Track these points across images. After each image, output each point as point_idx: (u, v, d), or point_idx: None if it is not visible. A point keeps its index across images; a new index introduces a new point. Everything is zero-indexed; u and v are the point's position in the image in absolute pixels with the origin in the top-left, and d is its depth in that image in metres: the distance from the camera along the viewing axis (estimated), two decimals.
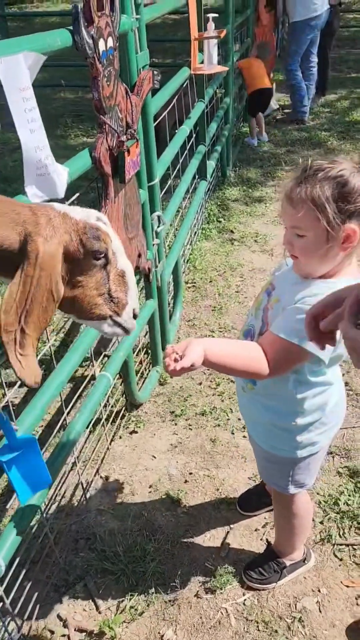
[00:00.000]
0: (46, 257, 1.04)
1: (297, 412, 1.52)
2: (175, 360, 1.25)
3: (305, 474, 1.67)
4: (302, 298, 1.34)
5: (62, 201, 1.49)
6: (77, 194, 1.71)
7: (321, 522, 2.07)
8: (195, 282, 3.59)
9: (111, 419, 2.49)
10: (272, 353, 1.37)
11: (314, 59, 6.29)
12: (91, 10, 1.44)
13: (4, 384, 1.56)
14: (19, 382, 1.64)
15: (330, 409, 1.55)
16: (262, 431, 1.66)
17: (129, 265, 1.23)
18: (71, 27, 1.42)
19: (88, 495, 2.21)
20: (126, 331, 1.28)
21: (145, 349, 2.88)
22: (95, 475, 2.31)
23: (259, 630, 1.76)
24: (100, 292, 1.18)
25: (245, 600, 1.85)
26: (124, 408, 2.60)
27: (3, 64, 1.12)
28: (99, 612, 1.85)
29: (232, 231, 4.23)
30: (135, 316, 1.27)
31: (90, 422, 2.08)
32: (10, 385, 2.67)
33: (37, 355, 1.14)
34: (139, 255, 2.16)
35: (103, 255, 1.15)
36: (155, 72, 1.98)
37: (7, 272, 1.08)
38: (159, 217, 2.43)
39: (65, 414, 1.93)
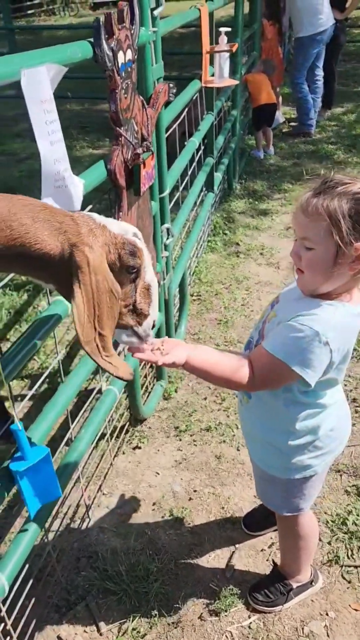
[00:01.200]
0: (96, 262, 1.08)
1: (288, 432, 1.49)
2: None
3: (300, 498, 1.63)
4: (297, 316, 1.32)
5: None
6: (90, 206, 1.69)
7: (329, 543, 2.03)
8: (200, 295, 3.57)
9: (115, 434, 2.45)
10: (258, 366, 1.37)
11: (320, 73, 6.31)
12: (112, 23, 1.42)
13: (12, 397, 1.52)
14: (29, 395, 1.62)
15: (326, 433, 1.50)
16: (257, 447, 1.64)
17: (155, 279, 1.25)
18: (91, 39, 1.40)
19: (90, 512, 2.17)
20: (141, 341, 1.30)
21: (149, 363, 2.84)
22: (97, 492, 2.27)
23: None
24: (127, 303, 1.21)
25: (250, 623, 1.81)
26: (127, 423, 2.57)
27: (26, 76, 1.10)
28: (100, 634, 1.80)
29: (237, 244, 4.21)
30: (153, 326, 1.30)
31: (96, 437, 2.04)
32: (21, 398, 2.64)
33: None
34: None
35: (136, 270, 1.18)
36: (171, 85, 1.96)
37: (42, 275, 1.12)
38: (168, 229, 2.41)
39: (71, 429, 1.89)
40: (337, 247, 1.25)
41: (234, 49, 2.96)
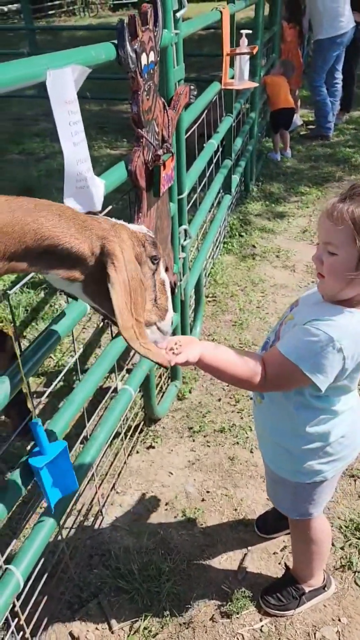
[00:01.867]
0: (127, 251, 1.12)
1: (299, 435, 1.49)
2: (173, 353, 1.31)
3: (309, 503, 1.62)
4: (313, 320, 1.32)
5: (96, 214, 1.48)
6: (110, 207, 1.70)
7: (342, 548, 2.02)
8: (216, 297, 3.57)
9: (129, 433, 2.46)
10: (270, 367, 1.37)
11: (339, 76, 6.29)
12: (136, 25, 1.43)
13: (30, 393, 1.54)
14: (47, 392, 1.63)
15: (337, 440, 1.49)
16: (269, 448, 1.64)
17: (166, 276, 1.30)
18: (115, 41, 1.41)
19: (103, 511, 2.18)
20: (164, 337, 1.33)
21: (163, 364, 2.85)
22: (111, 490, 2.28)
23: None
24: (150, 297, 1.24)
25: (262, 626, 1.81)
26: (142, 422, 2.58)
27: (52, 77, 1.11)
28: (112, 632, 1.81)
29: (253, 246, 4.21)
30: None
31: (110, 436, 2.05)
32: (37, 394, 2.67)
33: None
34: (166, 269, 2.14)
35: (157, 261, 1.23)
36: (192, 87, 1.97)
37: (69, 272, 1.14)
38: (185, 230, 2.42)
39: (87, 427, 1.91)
40: (359, 255, 1.25)
41: (254, 52, 2.96)
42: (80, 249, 1.09)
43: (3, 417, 2.15)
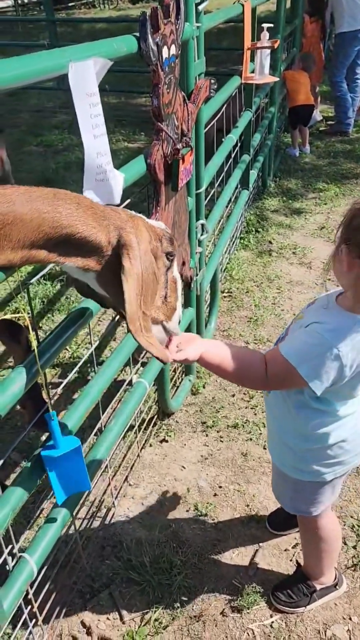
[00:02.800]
0: (143, 244, 1.12)
1: (299, 433, 1.49)
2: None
3: (308, 501, 1.62)
4: (315, 323, 1.32)
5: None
6: (128, 200, 1.70)
7: (354, 547, 2.01)
8: (231, 292, 3.56)
9: (143, 426, 2.47)
10: (271, 366, 1.37)
11: None
12: (158, 17, 1.43)
13: (47, 385, 1.55)
14: (63, 383, 1.64)
15: (337, 444, 1.48)
16: (274, 441, 1.65)
17: (178, 275, 1.28)
18: (137, 34, 1.41)
19: (116, 502, 2.20)
20: (168, 337, 1.31)
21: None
22: (124, 482, 2.29)
23: None
24: (161, 294, 1.23)
25: (272, 622, 1.81)
26: (155, 416, 2.59)
27: (74, 69, 1.11)
28: (123, 622, 1.82)
29: (270, 242, 4.19)
30: (178, 323, 1.31)
31: (124, 429, 2.06)
32: (52, 386, 2.69)
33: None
34: (183, 263, 2.14)
35: (172, 258, 1.21)
36: (212, 81, 1.96)
37: (85, 260, 1.14)
38: (202, 225, 2.41)
39: (101, 419, 1.92)
40: None
41: (275, 46, 2.93)
42: (97, 237, 1.10)
43: (18, 407, 2.17)
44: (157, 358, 1.18)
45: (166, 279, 1.24)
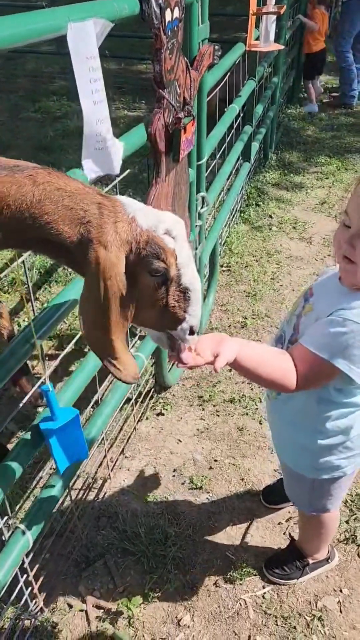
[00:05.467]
0: (108, 264, 0.99)
1: (318, 431, 1.44)
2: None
3: (327, 499, 1.60)
4: (338, 310, 1.23)
5: (114, 178, 1.45)
6: (128, 170, 1.66)
7: (347, 522, 2.04)
8: (230, 266, 3.53)
9: (140, 399, 2.47)
10: (301, 367, 1.27)
11: None
12: None
13: (43, 358, 1.54)
14: (61, 356, 1.63)
15: (358, 434, 1.45)
16: (283, 444, 1.61)
17: (195, 281, 1.09)
18: None
19: (112, 474, 2.21)
20: (174, 346, 1.17)
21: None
22: (120, 455, 2.30)
23: (277, 625, 1.75)
24: (156, 304, 1.09)
25: (264, 593, 1.84)
26: (152, 389, 2.58)
27: (73, 30, 1.06)
28: (118, 591, 1.85)
29: (270, 216, 4.14)
30: (192, 332, 1.14)
31: (121, 402, 2.06)
32: (48, 357, 2.68)
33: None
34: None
35: (159, 272, 1.04)
36: (217, 47, 1.90)
37: (62, 260, 1.09)
38: (203, 198, 2.37)
39: (98, 392, 1.91)
40: None
41: (282, 12, 2.84)
42: (70, 246, 1.02)
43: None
44: (120, 380, 1.09)
45: (164, 290, 1.07)
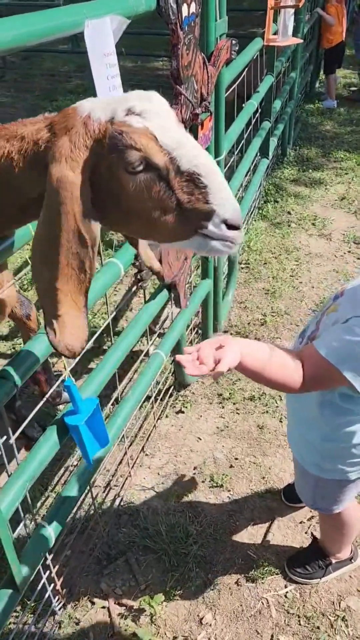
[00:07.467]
0: (61, 180, 0.81)
1: (321, 432, 1.42)
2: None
3: (330, 500, 1.58)
4: (354, 317, 1.19)
5: None
6: None
7: None
8: (249, 263, 3.51)
9: (160, 397, 2.47)
10: (308, 367, 1.24)
11: None
12: None
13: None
14: (80, 354, 1.63)
15: None
16: (295, 437, 1.61)
17: (201, 159, 0.87)
18: None
19: (132, 472, 2.21)
20: (230, 244, 0.93)
21: (195, 329, 2.83)
22: (140, 452, 2.30)
23: (300, 624, 1.74)
24: (165, 208, 0.88)
25: (287, 592, 1.82)
26: (172, 387, 2.58)
27: (90, 27, 1.06)
28: (140, 589, 1.85)
29: (289, 212, 4.10)
30: (232, 227, 0.90)
31: (142, 399, 2.06)
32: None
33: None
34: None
35: (139, 164, 0.84)
36: (234, 42, 1.88)
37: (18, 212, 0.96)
38: None
39: (118, 390, 1.92)
40: None
41: (300, 5, 2.80)
42: (21, 187, 0.87)
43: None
44: (52, 345, 0.91)
45: (165, 184, 0.86)
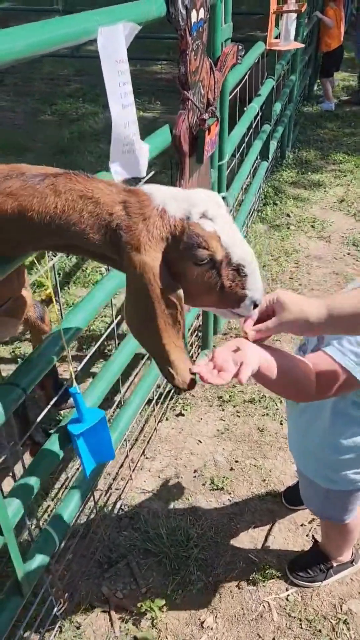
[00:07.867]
0: (145, 269, 0.95)
1: (333, 445, 1.42)
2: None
3: (340, 509, 1.58)
4: None
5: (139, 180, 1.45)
6: (152, 172, 1.66)
7: None
8: None
9: (161, 400, 2.47)
10: (320, 375, 1.23)
11: None
12: None
13: (70, 360, 1.54)
14: (85, 359, 1.64)
15: None
16: (300, 451, 1.60)
17: (247, 255, 1.02)
18: None
19: (133, 475, 2.21)
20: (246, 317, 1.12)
21: (195, 332, 2.84)
22: (141, 455, 2.31)
23: (302, 628, 1.74)
24: (210, 290, 1.03)
25: (288, 596, 1.83)
26: (172, 390, 2.58)
27: (103, 35, 1.06)
28: (140, 592, 1.85)
29: (288, 215, 4.11)
30: (255, 306, 1.08)
31: (143, 403, 2.06)
32: (73, 359, 2.69)
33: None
34: None
35: (205, 260, 0.98)
36: (240, 47, 1.89)
37: (94, 258, 1.09)
38: (224, 198, 2.36)
39: (121, 393, 1.92)
40: None
41: (302, 9, 2.81)
42: (104, 254, 1.00)
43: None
44: (173, 385, 1.06)
45: (216, 273, 1.00)
